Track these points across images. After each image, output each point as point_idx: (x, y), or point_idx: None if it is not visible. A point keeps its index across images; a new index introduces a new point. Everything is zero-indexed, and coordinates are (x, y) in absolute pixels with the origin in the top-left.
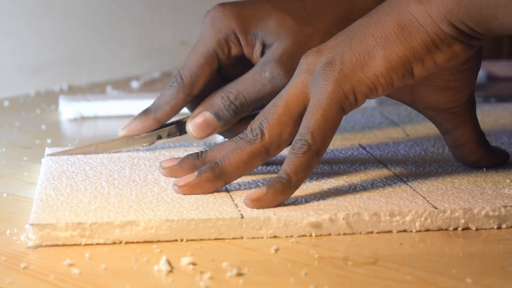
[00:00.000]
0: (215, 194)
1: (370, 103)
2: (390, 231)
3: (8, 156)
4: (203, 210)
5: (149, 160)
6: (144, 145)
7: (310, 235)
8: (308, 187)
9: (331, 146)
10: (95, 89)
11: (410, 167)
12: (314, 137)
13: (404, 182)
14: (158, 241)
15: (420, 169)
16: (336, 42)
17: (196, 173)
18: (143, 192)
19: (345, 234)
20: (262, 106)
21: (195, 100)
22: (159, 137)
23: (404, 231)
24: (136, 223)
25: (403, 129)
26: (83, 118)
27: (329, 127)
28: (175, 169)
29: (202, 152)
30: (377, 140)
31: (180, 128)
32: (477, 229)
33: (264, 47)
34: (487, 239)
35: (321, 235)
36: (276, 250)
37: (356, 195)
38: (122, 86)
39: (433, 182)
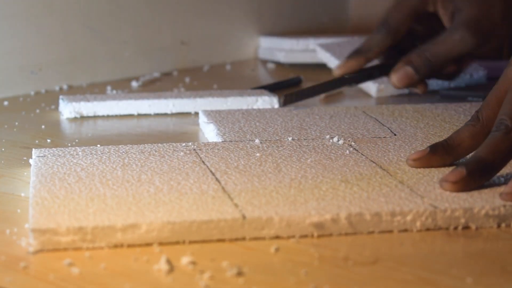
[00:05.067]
0: (213, 193)
1: (352, 102)
2: (391, 231)
3: (8, 156)
4: (204, 211)
5: (140, 160)
6: (353, 84)
7: (312, 235)
8: (305, 187)
9: (320, 146)
10: (95, 89)
11: (403, 167)
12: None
13: (400, 181)
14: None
15: (414, 168)
16: None
17: (463, 170)
18: (139, 192)
19: (346, 234)
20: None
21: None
22: (369, 76)
23: (405, 230)
24: (138, 226)
25: (388, 128)
26: (83, 118)
27: None
28: (428, 158)
29: (445, 141)
30: (365, 140)
31: (381, 71)
32: (477, 228)
33: (454, 11)
34: (487, 239)
35: (322, 235)
36: (277, 249)
37: (354, 195)
38: (122, 86)
39: (428, 182)
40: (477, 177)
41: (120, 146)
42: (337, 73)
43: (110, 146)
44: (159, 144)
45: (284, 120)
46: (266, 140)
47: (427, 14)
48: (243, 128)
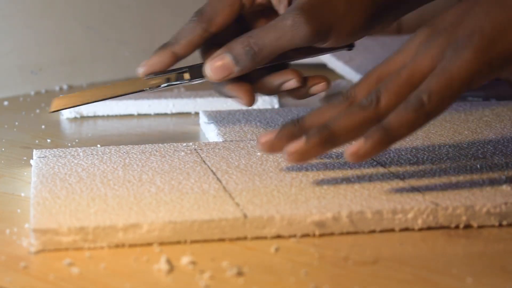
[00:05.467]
0: (214, 193)
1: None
2: (392, 229)
3: (8, 156)
4: (205, 210)
5: (141, 160)
6: (151, 87)
7: (314, 234)
8: (306, 185)
9: None
10: None
11: (404, 165)
12: (431, 97)
13: (401, 179)
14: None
15: (415, 167)
16: (472, 15)
17: (304, 138)
18: (140, 192)
19: (348, 232)
20: (280, 57)
21: (212, 47)
22: (168, 80)
23: (406, 228)
24: (139, 225)
25: None
26: (83, 118)
27: (450, 94)
28: (274, 143)
29: (298, 119)
30: None
31: (192, 72)
32: (478, 226)
33: None
34: (488, 239)
35: (324, 234)
36: (277, 249)
37: (356, 193)
38: None
39: (430, 180)
40: (376, 146)
41: (121, 146)
42: (140, 72)
43: (111, 147)
44: (160, 144)
45: (284, 119)
46: None
47: (262, 8)
48: (244, 128)
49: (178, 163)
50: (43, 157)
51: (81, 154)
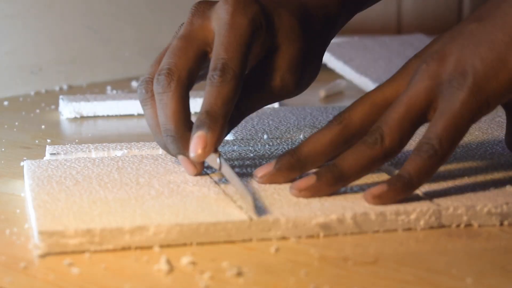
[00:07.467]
0: (215, 196)
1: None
2: (395, 230)
3: (8, 156)
4: (210, 214)
5: (134, 163)
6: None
7: (318, 236)
8: None
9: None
10: (95, 89)
11: None
12: (441, 143)
13: None
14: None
15: None
16: (458, 48)
17: (314, 176)
18: (140, 195)
19: (347, 234)
20: None
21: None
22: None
23: (409, 229)
24: (146, 228)
25: None
26: (83, 118)
27: (458, 136)
28: (274, 175)
29: (294, 149)
30: None
31: None
32: (479, 226)
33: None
34: (488, 239)
35: (328, 235)
36: (277, 249)
37: (357, 195)
38: (122, 86)
39: (433, 180)
40: (398, 194)
41: (132, 143)
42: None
43: (122, 143)
44: (152, 144)
45: (297, 118)
46: (277, 138)
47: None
48: (256, 127)
49: (172, 166)
50: (54, 153)
51: (92, 150)
